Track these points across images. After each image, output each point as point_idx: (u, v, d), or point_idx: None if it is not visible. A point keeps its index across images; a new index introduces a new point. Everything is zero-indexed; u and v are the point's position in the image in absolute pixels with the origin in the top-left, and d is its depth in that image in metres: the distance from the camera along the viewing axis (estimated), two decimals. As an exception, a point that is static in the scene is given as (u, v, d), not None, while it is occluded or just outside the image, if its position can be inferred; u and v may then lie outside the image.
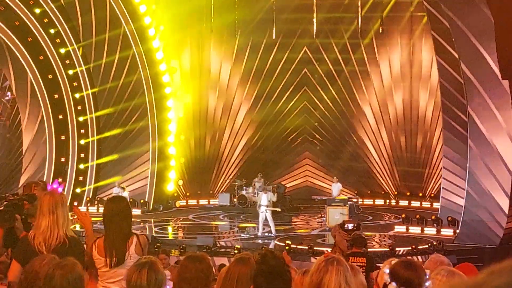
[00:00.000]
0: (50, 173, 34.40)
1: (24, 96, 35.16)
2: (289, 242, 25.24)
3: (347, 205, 29.89)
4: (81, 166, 35.35)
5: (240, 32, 36.88)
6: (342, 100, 38.00)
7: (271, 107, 38.71)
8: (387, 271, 4.54)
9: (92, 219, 7.76)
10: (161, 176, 35.56)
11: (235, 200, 35.43)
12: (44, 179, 32.36)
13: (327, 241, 26.07)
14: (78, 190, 35.07)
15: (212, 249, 24.38)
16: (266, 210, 27.33)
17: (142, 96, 34.86)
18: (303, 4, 36.36)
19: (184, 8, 35.66)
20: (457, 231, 26.15)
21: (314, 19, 34.98)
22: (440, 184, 29.67)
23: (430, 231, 27.81)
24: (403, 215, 29.86)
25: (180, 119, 36.32)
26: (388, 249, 23.80)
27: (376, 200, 37.35)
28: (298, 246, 25.20)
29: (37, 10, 33.52)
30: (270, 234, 27.72)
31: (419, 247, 24.53)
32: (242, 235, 28.94)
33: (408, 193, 36.61)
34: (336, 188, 32.54)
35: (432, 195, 34.92)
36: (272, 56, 38.06)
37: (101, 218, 7.32)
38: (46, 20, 33.83)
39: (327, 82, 38.06)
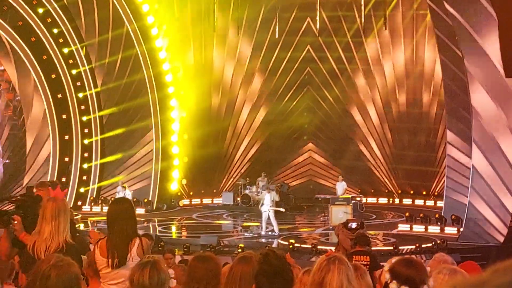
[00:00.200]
0: (54, 173, 34.43)
1: (28, 95, 35.18)
2: (292, 241, 25.23)
3: (351, 204, 29.87)
4: (85, 166, 35.35)
5: (243, 31, 36.86)
6: (346, 98, 37.98)
7: (274, 106, 38.70)
8: (388, 269, 4.53)
9: (96, 218, 7.82)
10: (165, 175, 35.57)
11: (238, 199, 35.44)
12: (48, 179, 32.46)
13: (331, 240, 26.06)
14: (82, 190, 35.08)
15: (216, 248, 24.37)
16: (269, 209, 27.33)
17: (145, 96, 34.87)
18: (306, 2, 36.33)
19: (187, 7, 35.69)
20: (461, 229, 26.12)
21: (317, 18, 34.93)
22: (444, 182, 29.64)
23: (434, 229, 27.78)
24: (407, 214, 29.85)
25: (183, 118, 36.31)
26: (392, 248, 23.79)
27: (379, 199, 37.33)
28: (302, 245, 25.20)
29: (40, 10, 33.55)
30: (273, 233, 27.71)
31: (423, 245, 24.52)
32: (246, 234, 28.94)
33: (411, 192, 36.57)
34: (340, 187, 32.55)
35: (436, 193, 34.88)
36: (275, 55, 38.03)
37: (105, 218, 7.36)
38: (49, 20, 33.87)
39: (330, 81, 38.03)
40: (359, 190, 37.04)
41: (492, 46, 23.98)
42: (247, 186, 35.21)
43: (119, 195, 28.39)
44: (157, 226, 30.63)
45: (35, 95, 34.81)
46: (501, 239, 24.80)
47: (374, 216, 32.89)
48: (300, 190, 38.46)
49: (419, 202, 35.63)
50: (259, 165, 38.46)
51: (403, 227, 28.89)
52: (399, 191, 37.12)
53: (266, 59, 38.04)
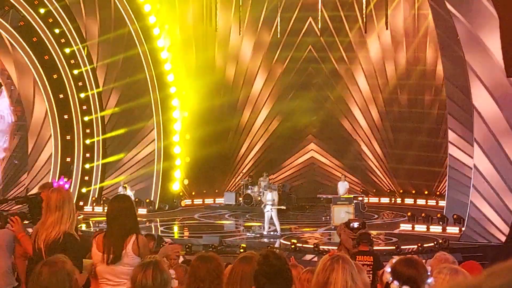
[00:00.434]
0: (56, 173, 34.41)
1: (29, 96, 35.19)
2: (294, 241, 25.25)
3: (353, 204, 29.87)
4: (87, 166, 35.36)
5: (245, 31, 36.86)
6: (347, 98, 37.98)
7: (276, 106, 38.70)
8: (389, 269, 4.54)
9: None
10: (167, 175, 35.58)
11: (240, 199, 35.44)
12: (50, 179, 32.47)
13: (333, 240, 26.07)
14: (84, 190, 35.09)
15: (218, 248, 24.39)
16: (271, 209, 27.35)
17: (147, 96, 34.88)
18: (308, 2, 36.34)
19: (189, 7, 35.71)
20: (463, 229, 26.12)
21: (319, 18, 34.93)
22: (446, 182, 29.63)
23: (436, 229, 27.79)
24: (409, 213, 29.86)
25: (185, 118, 36.31)
26: (394, 248, 23.80)
27: (381, 199, 37.33)
28: (304, 245, 25.22)
29: (42, 10, 33.57)
30: (275, 233, 27.73)
31: (425, 245, 24.52)
32: (248, 234, 28.96)
33: (413, 191, 36.56)
34: (343, 187, 32.55)
35: (438, 193, 34.88)
36: (277, 55, 38.04)
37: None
38: (51, 20, 33.88)
39: (332, 81, 38.04)
40: (361, 190, 37.07)
41: (493, 45, 23.98)
42: (249, 186, 35.21)
43: (121, 195, 28.36)
44: (159, 226, 30.65)
45: (37, 96, 34.82)
46: (503, 238, 24.81)
47: (376, 216, 32.92)
48: (302, 189, 38.44)
49: (421, 201, 35.63)
50: (261, 165, 38.50)
51: (405, 227, 28.91)
52: (401, 191, 37.12)
53: (268, 59, 38.05)
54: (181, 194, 36.85)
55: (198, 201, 37.38)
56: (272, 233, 27.88)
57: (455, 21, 24.86)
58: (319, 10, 34.89)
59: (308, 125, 39.22)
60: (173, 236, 28.55)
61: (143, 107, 35.06)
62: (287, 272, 4.59)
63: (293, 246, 24.64)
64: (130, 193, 31.50)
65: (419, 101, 35.94)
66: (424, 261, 5.18)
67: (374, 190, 37.68)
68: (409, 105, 36.31)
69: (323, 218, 31.76)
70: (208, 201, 37.52)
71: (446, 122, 28.63)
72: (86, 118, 35.13)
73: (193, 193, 37.68)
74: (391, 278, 4.49)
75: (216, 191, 38.04)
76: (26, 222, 7.99)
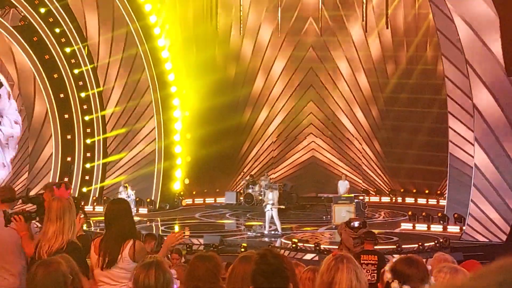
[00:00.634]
0: (56, 173, 34.45)
1: (30, 95, 35.21)
2: (295, 240, 25.25)
3: (354, 203, 29.86)
4: (87, 165, 35.37)
5: (246, 30, 36.86)
6: (348, 97, 37.99)
7: (276, 105, 38.73)
8: (389, 269, 4.54)
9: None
10: (167, 175, 35.60)
11: (241, 198, 35.44)
12: (50, 179, 32.51)
13: (333, 239, 26.07)
14: (84, 190, 35.10)
15: (219, 248, 24.40)
16: (271, 208, 27.36)
17: (147, 95, 34.90)
18: (308, 1, 36.36)
19: (189, 6, 35.71)
20: (464, 228, 26.13)
21: (320, 17, 34.94)
22: (446, 181, 29.63)
23: (437, 228, 27.79)
24: (410, 213, 29.86)
25: (186, 118, 36.32)
26: (395, 247, 23.79)
27: (382, 198, 37.34)
28: (305, 244, 25.22)
29: (42, 10, 33.58)
30: (276, 232, 27.74)
31: (426, 244, 24.52)
32: (249, 233, 28.96)
33: (414, 191, 36.58)
34: (343, 186, 32.53)
35: (438, 192, 34.89)
36: (277, 54, 38.06)
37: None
38: (51, 20, 33.90)
39: (333, 80, 38.05)
40: (362, 189, 37.08)
41: (494, 44, 23.98)
42: (250, 186, 35.22)
43: (121, 195, 28.40)
44: (160, 226, 30.66)
45: (37, 95, 34.83)
46: (504, 237, 24.81)
47: (377, 215, 32.94)
48: (303, 188, 38.45)
49: (421, 201, 35.64)
50: (261, 164, 38.53)
51: (406, 226, 28.91)
52: (402, 190, 37.12)
53: (269, 58, 38.07)
54: (182, 193, 36.85)
55: (199, 201, 37.38)
56: (273, 232, 27.89)
57: (456, 20, 24.86)
58: (320, 9, 34.90)
59: (309, 124, 39.21)
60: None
61: (143, 107, 35.07)
62: (285, 271, 4.59)
63: (293, 245, 24.64)
64: (130, 192, 31.54)
65: (420, 100, 35.93)
66: (424, 260, 5.18)
67: (375, 189, 37.69)
68: (409, 104, 36.30)
69: (324, 217, 31.77)
70: (209, 200, 37.52)
71: (447, 121, 28.62)
72: (86, 118, 35.14)
73: (194, 193, 37.69)
74: (391, 277, 4.49)
75: (217, 190, 38.04)
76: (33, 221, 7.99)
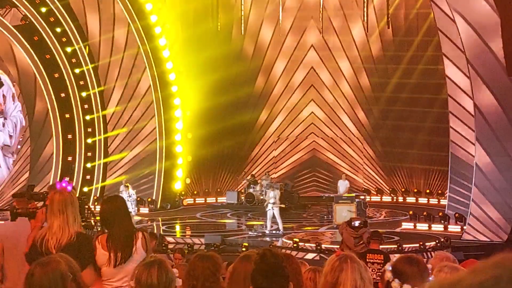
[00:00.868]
0: (57, 172, 34.46)
1: (31, 95, 35.22)
2: (296, 239, 25.26)
3: (355, 202, 29.86)
4: (88, 165, 35.37)
5: (247, 30, 36.84)
6: (349, 97, 37.99)
7: (278, 105, 38.73)
8: (390, 268, 4.55)
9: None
10: (169, 174, 35.60)
11: (242, 198, 35.43)
12: (51, 178, 32.52)
13: (334, 239, 26.09)
14: (85, 189, 35.10)
15: (220, 247, 24.41)
16: (272, 208, 27.37)
17: (148, 94, 34.91)
18: (310, 1, 36.36)
19: (191, 6, 35.70)
20: (465, 227, 26.14)
21: (321, 17, 34.92)
22: (447, 180, 29.63)
23: (438, 227, 27.80)
24: (411, 212, 29.87)
25: (187, 117, 36.32)
26: (396, 246, 23.80)
27: (383, 197, 37.34)
28: (306, 244, 25.23)
29: (43, 9, 33.59)
30: (278, 232, 27.75)
31: (427, 244, 24.53)
32: (250, 233, 28.96)
33: (415, 190, 36.58)
34: (343, 186, 32.52)
35: (439, 191, 34.89)
36: (278, 54, 38.06)
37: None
38: (52, 19, 33.90)
39: (334, 80, 38.05)
40: (363, 189, 37.09)
41: (495, 44, 23.98)
42: (251, 185, 35.22)
43: (122, 194, 28.38)
44: (161, 226, 30.67)
45: (38, 94, 34.84)
46: (505, 237, 24.84)
47: (378, 215, 32.96)
48: (304, 188, 38.47)
49: (422, 200, 35.64)
50: (262, 163, 38.53)
51: (407, 226, 28.92)
52: (402, 189, 37.12)
53: (270, 58, 38.07)
54: (183, 193, 36.86)
55: (200, 200, 37.38)
56: (274, 231, 27.90)
57: (457, 19, 24.87)
58: (321, 9, 34.87)
59: (310, 123, 39.21)
60: (175, 235, 28.57)
61: (144, 106, 35.08)
62: (284, 270, 4.60)
63: (295, 245, 24.65)
64: (132, 192, 31.55)
65: (420, 99, 35.90)
66: (425, 260, 5.19)
67: (376, 189, 37.68)
68: (410, 103, 36.27)
69: (325, 216, 31.79)
70: (210, 200, 37.53)
71: (448, 120, 28.63)
72: (87, 117, 35.13)
73: (195, 192, 37.69)
74: (392, 277, 4.50)
75: (218, 190, 38.06)
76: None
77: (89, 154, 35.37)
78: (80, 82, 34.87)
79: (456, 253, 19.02)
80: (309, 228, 30.36)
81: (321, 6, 34.67)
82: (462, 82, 26.60)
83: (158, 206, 34.93)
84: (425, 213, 29.05)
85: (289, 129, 39.12)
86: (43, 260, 4.93)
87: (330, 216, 30.84)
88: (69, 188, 7.41)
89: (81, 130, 35.06)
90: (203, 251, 18.54)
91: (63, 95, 34.62)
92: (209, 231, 28.45)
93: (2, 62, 35.29)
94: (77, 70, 34.63)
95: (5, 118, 35.96)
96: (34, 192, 8.45)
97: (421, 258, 4.76)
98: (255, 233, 28.66)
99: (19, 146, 36.35)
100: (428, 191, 36.00)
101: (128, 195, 29.26)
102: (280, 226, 27.70)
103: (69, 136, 34.97)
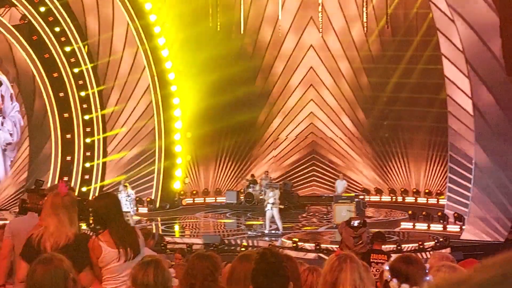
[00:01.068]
0: (56, 172, 34.42)
1: (29, 94, 35.18)
2: (296, 239, 25.26)
3: (354, 202, 29.85)
4: (87, 165, 35.32)
5: (246, 30, 36.82)
6: (349, 97, 37.97)
7: (277, 104, 38.72)
8: (387, 267, 4.54)
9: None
10: (168, 174, 35.58)
11: (242, 198, 35.42)
12: (50, 178, 32.49)
13: (334, 238, 26.09)
14: (84, 189, 35.05)
15: (219, 247, 24.39)
16: (272, 208, 27.36)
17: (147, 94, 34.89)
18: (310, 1, 36.35)
19: (190, 6, 35.68)
20: (463, 227, 26.14)
21: (320, 16, 34.92)
22: (446, 180, 29.64)
23: (437, 227, 27.81)
24: (410, 212, 29.87)
25: (186, 117, 36.31)
26: (395, 246, 23.80)
27: (382, 197, 37.34)
28: (305, 244, 25.23)
29: (42, 9, 33.54)
30: (277, 232, 27.74)
31: (426, 243, 24.53)
32: (249, 232, 28.96)
33: (414, 190, 36.58)
34: (341, 185, 32.56)
35: (438, 191, 34.91)
36: (278, 53, 38.06)
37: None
38: (51, 19, 33.84)
39: (333, 80, 38.04)
40: (362, 188, 37.08)
41: (494, 44, 23.99)
42: (251, 185, 35.21)
43: (121, 194, 28.39)
44: (160, 225, 30.66)
45: (37, 94, 34.79)
46: (504, 236, 24.85)
47: (377, 214, 32.97)
48: (303, 189, 38.47)
49: (421, 200, 35.67)
50: (262, 163, 38.53)
51: (406, 225, 28.92)
52: (402, 189, 37.12)
53: (269, 57, 38.06)
54: (182, 193, 36.85)
55: (199, 200, 37.37)
56: (273, 231, 27.89)
57: (456, 19, 24.86)
58: (320, 8, 34.87)
59: (309, 123, 39.20)
60: (174, 235, 28.57)
61: (143, 106, 35.06)
62: (285, 270, 4.58)
63: (294, 245, 24.64)
64: (131, 191, 31.50)
65: (420, 99, 35.90)
66: (424, 259, 5.17)
67: (376, 188, 37.68)
68: (409, 103, 36.28)
69: (325, 216, 31.81)
70: (210, 200, 37.51)
71: (447, 120, 28.63)
72: (86, 117, 35.07)
73: (194, 192, 37.68)
74: (389, 276, 4.48)
75: (218, 189, 38.05)
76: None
77: (88, 153, 35.32)
78: (79, 81, 34.80)
79: (455, 253, 19.03)
80: (309, 227, 30.36)
81: (321, 6, 34.69)
82: (461, 82, 26.59)
83: (157, 206, 34.91)
84: (424, 213, 29.06)
85: (288, 129, 39.11)
86: (45, 258, 4.92)
87: (329, 215, 30.86)
88: (65, 191, 7.39)
89: (80, 130, 35.00)
90: (202, 250, 18.53)
91: (62, 94, 34.55)
92: (208, 231, 28.46)
93: (1, 62, 35.24)
94: (76, 70, 34.57)
95: (3, 117, 35.91)
96: (42, 188, 8.48)
97: (419, 257, 4.76)
98: (254, 233, 28.65)
99: (17, 146, 36.28)
100: (427, 190, 36.02)
101: (127, 194, 29.26)
102: (280, 226, 27.70)
103: (68, 136, 34.90)
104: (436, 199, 34.67)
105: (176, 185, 36.30)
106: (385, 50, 36.54)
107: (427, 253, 22.97)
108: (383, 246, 14.71)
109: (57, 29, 33.97)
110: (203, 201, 37.33)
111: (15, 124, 35.91)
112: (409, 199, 36.29)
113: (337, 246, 18.16)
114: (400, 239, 26.32)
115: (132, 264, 6.90)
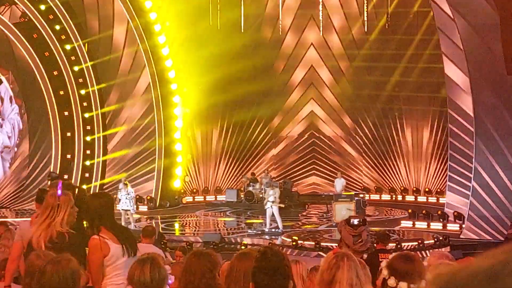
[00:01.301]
0: (56, 170, 34.37)
1: (30, 92, 35.18)
2: (296, 237, 25.25)
3: (354, 201, 29.84)
4: (87, 163, 35.33)
5: (247, 28, 36.79)
6: (349, 96, 37.99)
7: (277, 104, 38.71)
8: (386, 265, 4.54)
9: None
10: (168, 172, 35.59)
11: (242, 196, 35.42)
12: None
13: (334, 237, 26.09)
14: (84, 187, 35.02)
15: (219, 245, 24.39)
16: (272, 206, 27.35)
17: (148, 92, 34.89)
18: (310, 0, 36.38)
19: (190, 4, 35.65)
20: (463, 226, 26.14)
21: (321, 15, 34.92)
22: (446, 179, 29.64)
23: (436, 226, 27.80)
24: (410, 210, 29.87)
25: (187, 115, 36.31)
26: (394, 244, 23.79)
27: (382, 196, 37.36)
28: (305, 242, 25.21)
29: (42, 7, 33.52)
30: (277, 230, 27.73)
31: (425, 242, 24.53)
32: (249, 231, 28.95)
33: (414, 188, 36.59)
34: (339, 184, 32.57)
35: (438, 190, 34.92)
36: (278, 52, 38.07)
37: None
38: (51, 17, 33.83)
39: (334, 78, 38.05)
40: (362, 187, 37.09)
41: (494, 43, 23.97)
42: (251, 183, 35.22)
43: (121, 192, 28.37)
44: (160, 223, 30.65)
45: (37, 92, 34.78)
46: (503, 235, 24.83)
47: (377, 213, 32.98)
48: (303, 187, 38.48)
49: (421, 198, 35.69)
50: (262, 162, 38.54)
51: (406, 224, 28.93)
52: (402, 188, 37.13)
53: (269, 56, 38.06)
54: (182, 191, 36.86)
55: (199, 198, 37.39)
56: (273, 230, 27.88)
57: (456, 18, 24.85)
58: (321, 7, 34.88)
59: (310, 122, 39.22)
60: (174, 233, 28.57)
61: (144, 104, 35.06)
62: (285, 268, 4.59)
63: (294, 243, 24.63)
64: (130, 190, 31.48)
65: (420, 98, 35.93)
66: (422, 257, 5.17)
67: (375, 187, 37.69)
68: (410, 102, 36.31)
69: (324, 215, 31.81)
70: (210, 198, 37.52)
71: (447, 119, 28.62)
72: (86, 115, 35.08)
73: (195, 190, 37.69)
74: (388, 274, 4.48)
75: (217, 188, 38.06)
76: None
77: (88, 152, 35.33)
78: (79, 79, 34.81)
79: (454, 252, 19.04)
80: (308, 226, 30.35)
81: (321, 5, 34.69)
82: (461, 81, 26.57)
83: (157, 204, 34.91)
84: (424, 212, 29.05)
85: (289, 128, 39.12)
86: (55, 258, 4.95)
87: (329, 214, 30.86)
88: (59, 193, 7.44)
89: (80, 128, 35.01)
90: (201, 248, 18.51)
91: (62, 92, 34.56)
92: (208, 229, 28.45)
93: (1, 60, 35.25)
94: (76, 68, 34.57)
95: (2, 119, 35.90)
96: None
97: (417, 256, 4.75)
98: (254, 231, 28.65)
99: (15, 149, 36.27)
100: (427, 189, 36.04)
101: (127, 193, 29.22)
102: (280, 225, 27.68)
103: (68, 134, 34.92)
104: (436, 198, 34.70)
105: (176, 184, 36.29)
106: (386, 48, 36.52)
107: (427, 251, 22.98)
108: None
109: (57, 27, 33.97)
110: (203, 199, 37.35)
111: (13, 127, 35.91)
112: (409, 197, 36.32)
113: (336, 244, 18.18)
114: (400, 238, 26.32)
115: (133, 260, 6.93)
